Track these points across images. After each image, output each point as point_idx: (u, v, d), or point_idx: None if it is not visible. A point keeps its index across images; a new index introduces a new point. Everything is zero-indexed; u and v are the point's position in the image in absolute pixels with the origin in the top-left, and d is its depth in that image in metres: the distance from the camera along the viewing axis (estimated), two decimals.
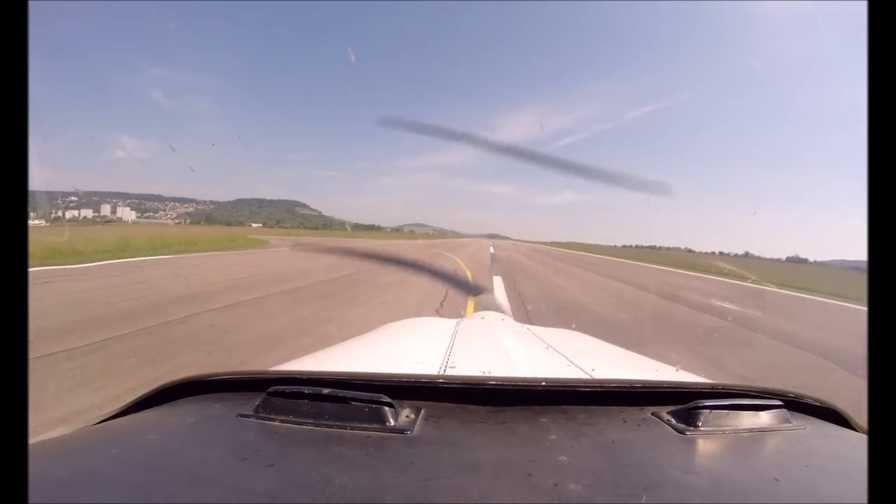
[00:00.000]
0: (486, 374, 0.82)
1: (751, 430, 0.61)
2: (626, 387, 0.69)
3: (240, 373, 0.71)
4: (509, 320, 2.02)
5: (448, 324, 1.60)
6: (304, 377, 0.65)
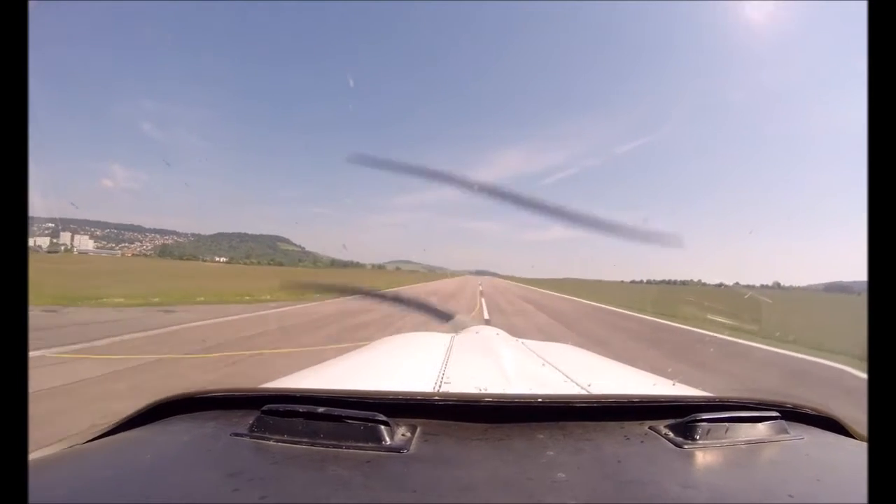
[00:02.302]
0: (482, 391, 0.82)
1: (749, 443, 0.61)
2: (623, 402, 0.69)
3: (234, 390, 0.70)
4: (504, 335, 2.01)
5: (443, 338, 1.63)
6: (299, 395, 0.65)
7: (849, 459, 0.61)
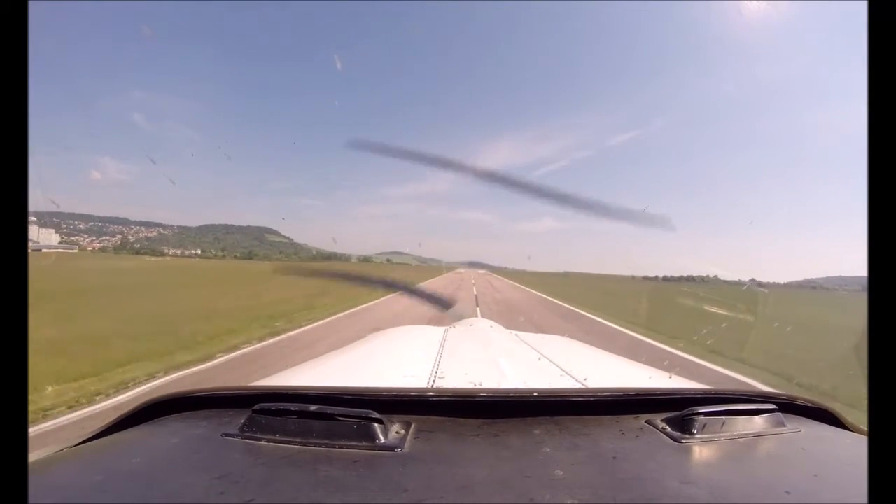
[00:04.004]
0: (477, 386, 0.82)
1: (746, 436, 0.61)
2: (619, 395, 0.68)
3: (225, 389, 0.70)
4: (498, 327, 1.99)
5: (436, 332, 1.60)
6: (291, 392, 0.64)
7: (846, 452, 0.61)
